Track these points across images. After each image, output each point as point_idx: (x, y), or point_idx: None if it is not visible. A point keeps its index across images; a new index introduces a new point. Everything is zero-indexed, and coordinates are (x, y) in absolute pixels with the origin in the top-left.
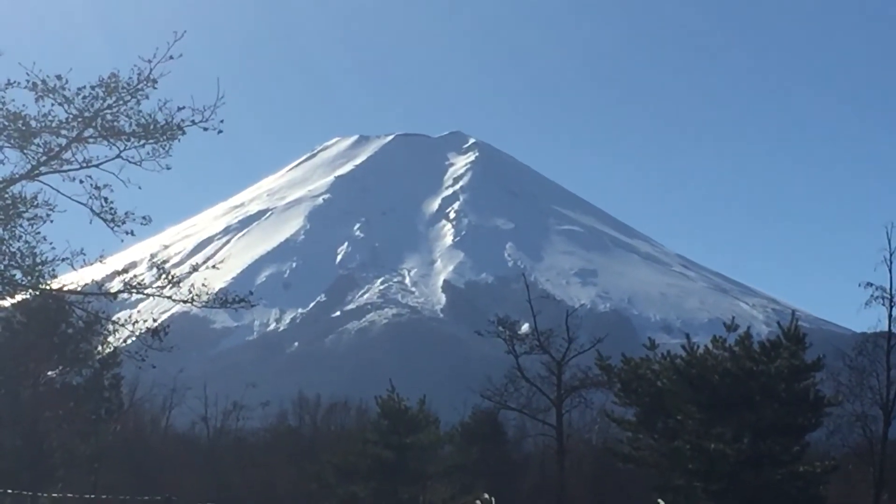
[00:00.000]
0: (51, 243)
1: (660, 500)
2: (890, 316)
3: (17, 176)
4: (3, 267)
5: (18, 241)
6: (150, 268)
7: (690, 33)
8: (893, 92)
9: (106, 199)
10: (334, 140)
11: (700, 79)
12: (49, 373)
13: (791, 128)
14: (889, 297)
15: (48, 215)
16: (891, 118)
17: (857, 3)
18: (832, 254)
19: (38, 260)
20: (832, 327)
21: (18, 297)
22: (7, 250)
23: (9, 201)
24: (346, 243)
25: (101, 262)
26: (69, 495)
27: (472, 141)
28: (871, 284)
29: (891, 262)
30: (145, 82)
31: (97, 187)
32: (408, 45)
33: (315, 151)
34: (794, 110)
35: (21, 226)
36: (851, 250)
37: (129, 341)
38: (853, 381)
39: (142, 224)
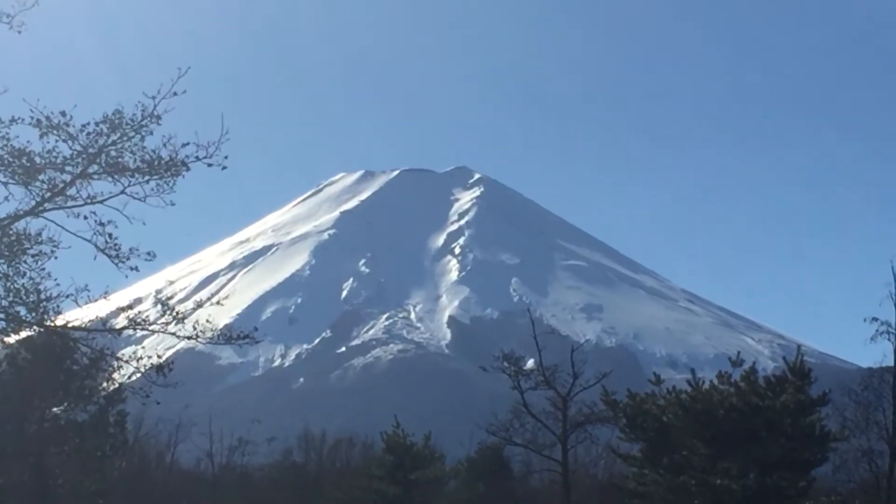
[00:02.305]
0: (55, 280)
1: None
2: (895, 351)
3: (21, 212)
4: (7, 304)
5: (23, 277)
6: (155, 304)
7: (700, 70)
8: None
9: (110, 235)
10: (339, 175)
11: (707, 115)
12: (54, 409)
13: (798, 163)
14: (895, 332)
15: (53, 252)
16: None
17: (872, 40)
18: (838, 289)
19: (42, 296)
20: (838, 362)
21: (23, 334)
22: (11, 287)
23: (13, 238)
24: (351, 279)
25: (105, 298)
26: None
27: (477, 176)
28: (877, 319)
29: None
30: (150, 118)
31: (101, 223)
32: (413, 80)
33: (320, 187)
34: (801, 146)
35: (25, 262)
36: (857, 285)
37: (133, 378)
38: (859, 416)
39: (146, 260)
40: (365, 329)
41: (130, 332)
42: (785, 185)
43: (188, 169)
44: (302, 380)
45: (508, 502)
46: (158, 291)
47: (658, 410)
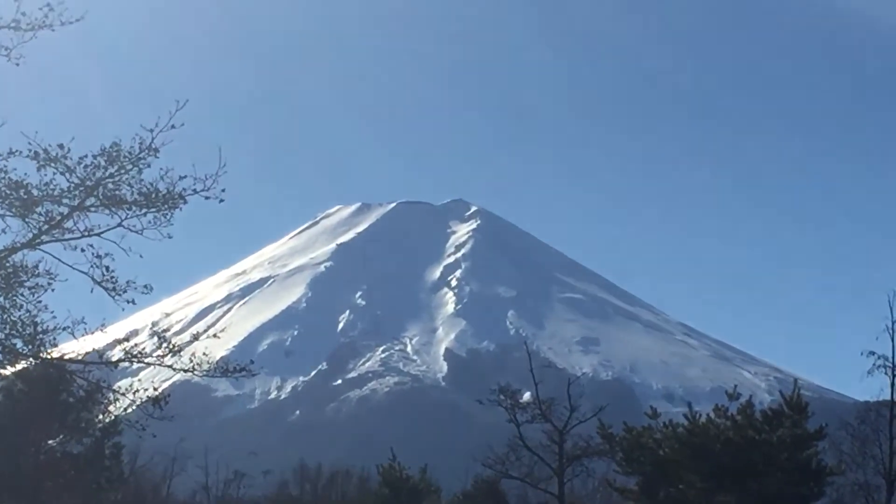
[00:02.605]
0: (52, 312)
1: None
2: (892, 385)
3: (18, 244)
4: (4, 336)
5: (19, 309)
6: (151, 336)
7: (698, 104)
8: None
9: (107, 267)
10: (336, 208)
11: (702, 147)
12: (50, 441)
13: (793, 196)
14: (891, 365)
15: (49, 284)
16: (894, 186)
17: (872, 76)
18: (834, 322)
19: (39, 329)
20: (834, 396)
21: (20, 366)
22: (8, 319)
23: (10, 270)
24: (347, 311)
25: (102, 330)
26: None
27: (473, 208)
28: (874, 353)
29: (893, 331)
30: (147, 151)
31: (98, 256)
32: (409, 112)
33: (317, 219)
34: (797, 178)
35: (22, 294)
36: (854, 319)
37: (129, 410)
38: (856, 450)
39: (143, 293)
40: (361, 362)
41: (126, 364)
42: (781, 219)
43: (185, 202)
44: (298, 412)
45: None
46: (155, 323)
47: (655, 444)
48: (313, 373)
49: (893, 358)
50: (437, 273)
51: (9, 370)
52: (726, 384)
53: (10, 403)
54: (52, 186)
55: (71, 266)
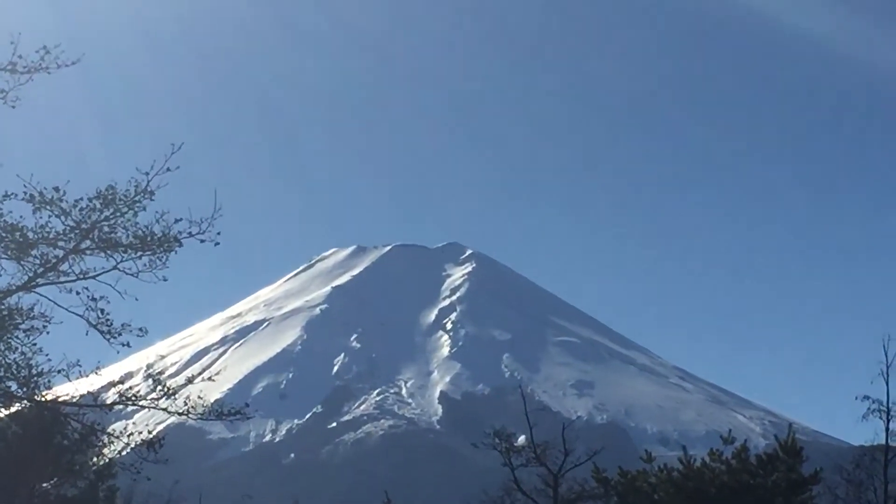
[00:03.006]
0: (47, 355)
1: None
2: (887, 429)
3: (13, 287)
4: None
5: (14, 352)
6: (146, 379)
7: (690, 151)
8: (890, 206)
9: (102, 310)
10: (332, 251)
11: (696, 193)
12: (44, 484)
13: (787, 241)
14: (886, 410)
15: (44, 327)
16: (889, 230)
17: (869, 121)
18: (829, 366)
19: (34, 371)
20: (829, 440)
21: (14, 408)
22: (3, 361)
23: (5, 313)
24: (342, 354)
25: (96, 373)
26: None
27: (469, 252)
28: (868, 398)
29: (887, 376)
30: (143, 194)
31: (94, 299)
32: (405, 156)
33: (312, 262)
34: (792, 222)
35: (17, 337)
36: (849, 363)
37: (124, 453)
38: (850, 495)
39: (138, 336)
40: (356, 404)
41: (121, 407)
42: (777, 263)
43: (181, 245)
44: (293, 455)
45: None
46: (149, 366)
47: (649, 488)
48: (308, 415)
49: (888, 403)
50: (432, 316)
51: (3, 412)
52: (721, 428)
53: (4, 446)
54: (47, 229)
55: (66, 309)
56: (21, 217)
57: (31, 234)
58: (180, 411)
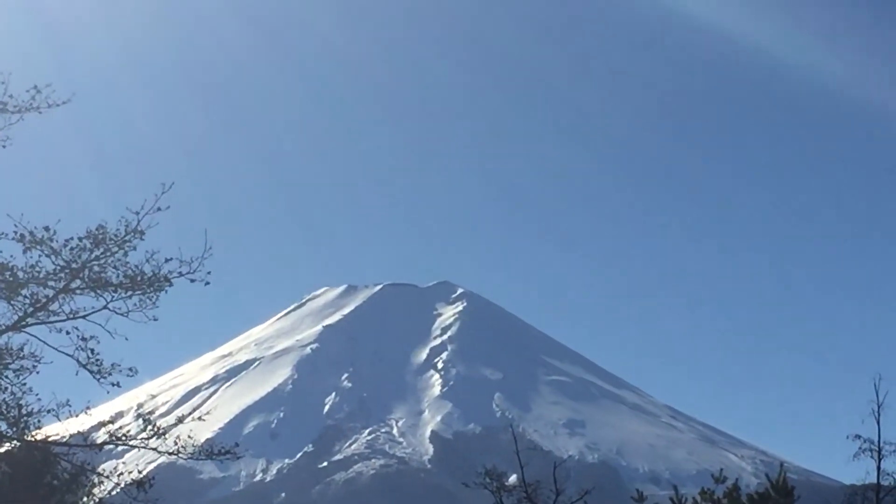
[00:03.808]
0: (37, 394)
1: None
2: (878, 469)
3: (3, 327)
4: None
5: (4, 392)
6: (136, 418)
7: (687, 190)
8: (884, 244)
9: (92, 350)
10: (322, 290)
11: (690, 229)
12: None
13: (778, 279)
14: (878, 449)
15: (34, 366)
16: (882, 268)
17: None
18: (821, 405)
19: (23, 411)
20: (820, 479)
21: (3, 448)
22: None
23: None
24: (333, 393)
25: (86, 413)
26: None
27: (460, 291)
28: (860, 437)
29: (878, 415)
30: (133, 234)
31: (84, 338)
32: (395, 195)
33: (303, 301)
34: (783, 261)
35: (6, 377)
36: (840, 402)
37: (114, 493)
38: None
39: (128, 375)
40: (347, 444)
41: (111, 447)
42: (767, 302)
43: (171, 284)
44: (283, 494)
45: None
46: (140, 406)
47: None
48: (299, 455)
49: (879, 442)
50: (423, 355)
51: None
52: (712, 467)
53: None
54: (37, 269)
55: (56, 348)
56: (11, 256)
57: (21, 274)
58: (170, 451)
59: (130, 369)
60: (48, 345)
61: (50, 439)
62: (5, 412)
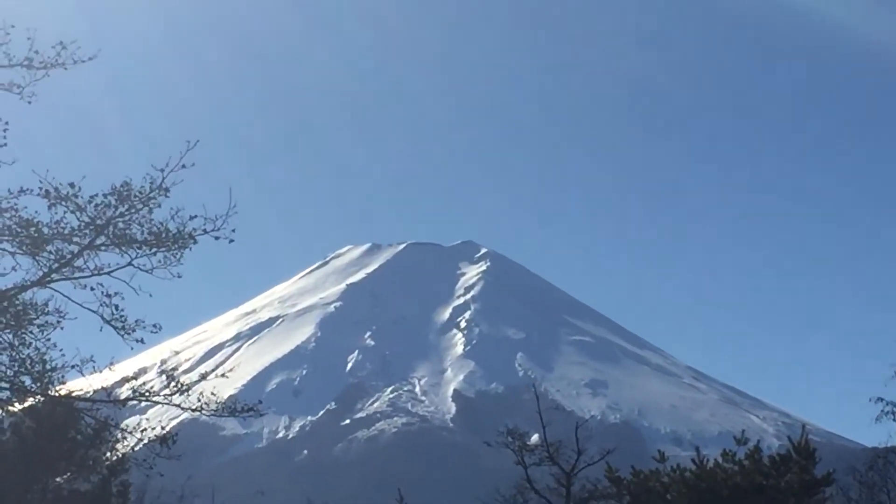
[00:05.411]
0: (61, 350)
1: None
2: None
3: (28, 283)
4: (13, 373)
5: (28, 347)
6: (160, 375)
7: (704, 149)
8: None
9: (117, 306)
10: (346, 248)
11: (711, 191)
12: (57, 479)
13: (801, 243)
14: None
15: (59, 322)
16: None
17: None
18: (844, 368)
19: (47, 366)
20: (843, 441)
21: (28, 403)
22: (17, 356)
23: (20, 308)
24: (356, 351)
25: (110, 369)
26: None
27: (483, 250)
28: (882, 399)
29: None
30: (158, 191)
31: (108, 295)
32: (421, 154)
33: (327, 259)
34: (806, 225)
35: (31, 332)
36: (863, 364)
37: (137, 448)
38: (863, 496)
39: (152, 332)
40: (369, 402)
41: (135, 402)
42: (791, 264)
43: (195, 241)
44: (306, 452)
45: None
46: (163, 362)
47: (662, 488)
48: (321, 412)
49: None
50: (446, 314)
51: (17, 407)
52: (734, 428)
53: (17, 441)
54: (62, 225)
55: (80, 304)
56: (36, 212)
57: (46, 230)
58: (193, 407)
59: (154, 326)
60: (73, 301)
61: (74, 395)
62: (30, 367)
